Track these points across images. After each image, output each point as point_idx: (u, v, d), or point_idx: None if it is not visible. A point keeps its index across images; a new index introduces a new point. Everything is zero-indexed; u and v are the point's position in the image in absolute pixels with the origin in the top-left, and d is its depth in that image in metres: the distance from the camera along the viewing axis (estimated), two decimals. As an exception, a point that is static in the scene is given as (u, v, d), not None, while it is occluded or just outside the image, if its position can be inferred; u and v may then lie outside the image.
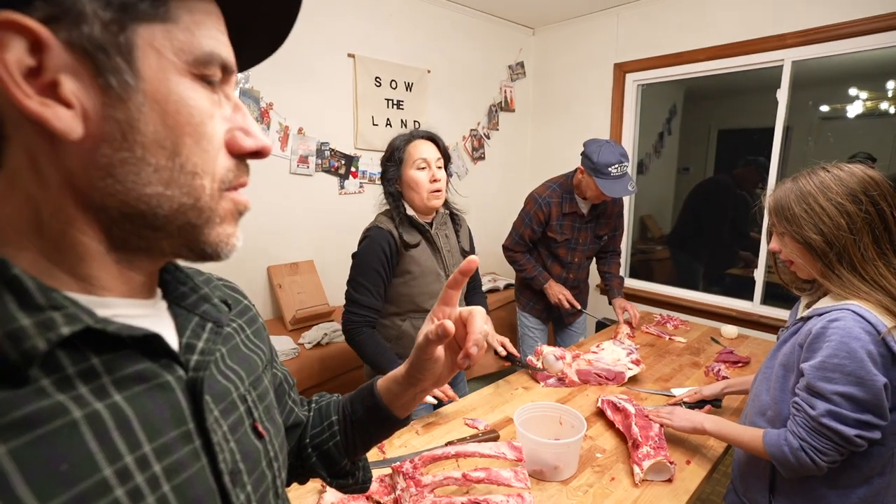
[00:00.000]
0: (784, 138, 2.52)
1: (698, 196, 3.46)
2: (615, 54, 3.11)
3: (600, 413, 1.43)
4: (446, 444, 1.25)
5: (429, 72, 2.95)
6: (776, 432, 0.97)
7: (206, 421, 0.39)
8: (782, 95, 2.47)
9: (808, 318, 0.97)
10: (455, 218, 1.61)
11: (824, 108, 3.34)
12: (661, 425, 1.23)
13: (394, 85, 2.79)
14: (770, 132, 2.56)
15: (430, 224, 1.51)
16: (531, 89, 3.63)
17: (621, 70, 3.09)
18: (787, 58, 2.42)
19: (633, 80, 3.09)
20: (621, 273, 2.37)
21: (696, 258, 3.58)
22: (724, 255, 3.34)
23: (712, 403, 1.40)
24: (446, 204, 1.56)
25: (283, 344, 2.05)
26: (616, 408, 1.36)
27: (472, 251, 1.69)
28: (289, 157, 2.43)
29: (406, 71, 2.83)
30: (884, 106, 2.94)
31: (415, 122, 2.90)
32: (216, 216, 0.38)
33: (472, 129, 3.29)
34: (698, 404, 1.40)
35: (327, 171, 2.59)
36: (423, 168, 1.42)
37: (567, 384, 1.62)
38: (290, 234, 2.51)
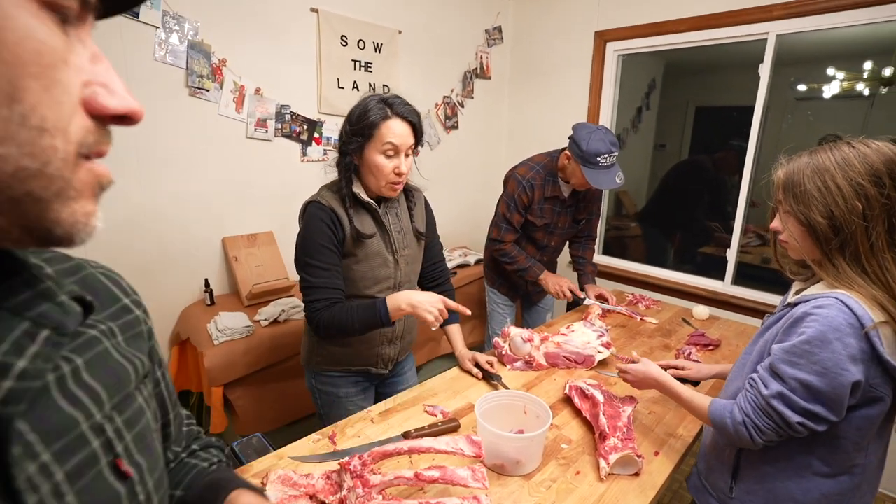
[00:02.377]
0: (763, 117, 2.46)
1: (676, 175, 3.41)
2: (596, 21, 2.97)
3: (567, 400, 1.36)
4: (402, 435, 1.17)
5: (400, 32, 2.76)
6: (723, 403, 0.97)
7: (14, 480, 0.28)
8: (765, 71, 2.39)
9: (796, 304, 0.90)
10: (409, 194, 1.44)
11: (802, 88, 3.29)
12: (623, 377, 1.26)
13: (361, 45, 2.59)
14: (748, 111, 2.49)
15: (379, 202, 1.35)
16: (508, 56, 3.47)
17: (602, 38, 2.96)
18: (771, 31, 2.33)
19: (613, 50, 2.96)
20: (595, 252, 2.29)
21: (668, 236, 3.57)
22: (697, 234, 3.33)
23: (690, 383, 1.34)
24: None
25: (236, 321, 1.92)
26: (584, 395, 1.29)
27: (430, 232, 1.52)
28: (245, 120, 2.23)
29: (375, 30, 2.63)
30: (859, 87, 2.90)
31: (384, 86, 2.72)
32: (71, 188, 0.29)
33: (445, 97, 3.12)
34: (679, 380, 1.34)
35: (288, 137, 2.40)
36: (390, 155, 1.25)
37: (535, 368, 1.55)
38: (247, 204, 2.33)
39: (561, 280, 2.04)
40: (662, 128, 4.01)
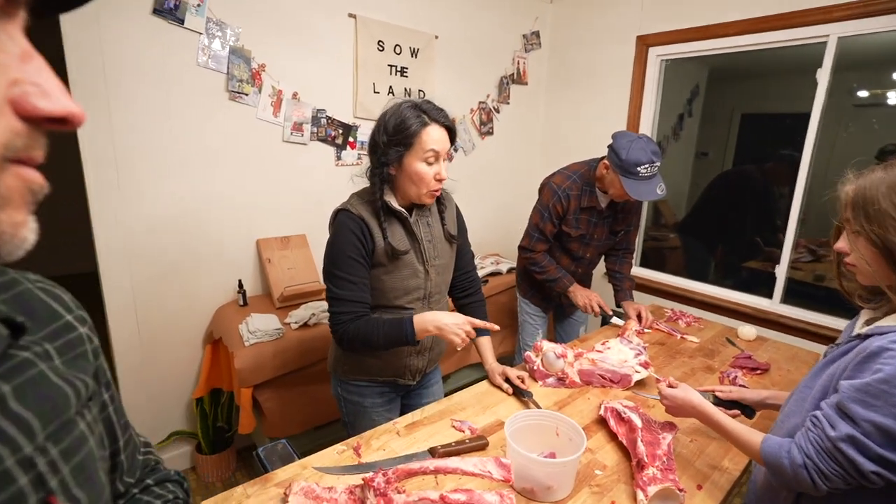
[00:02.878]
0: (820, 125, 2.31)
1: (721, 185, 3.25)
2: (639, 26, 2.88)
3: (602, 421, 1.29)
4: (428, 451, 1.13)
5: (436, 38, 2.74)
6: (778, 441, 0.88)
7: None
8: (823, 76, 2.25)
9: (867, 336, 0.81)
10: (440, 199, 1.40)
11: (863, 94, 3.08)
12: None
13: (398, 50, 2.59)
14: (800, 118, 2.34)
15: (410, 211, 1.32)
16: (546, 61, 3.40)
17: (644, 43, 2.86)
18: (832, 33, 2.19)
19: (656, 55, 2.86)
20: (633, 267, 2.19)
21: (710, 249, 3.40)
22: (742, 248, 3.16)
23: (745, 411, 1.24)
24: None
25: (267, 323, 1.93)
26: (620, 418, 1.22)
27: (461, 235, 1.48)
28: (281, 124, 2.26)
29: (412, 35, 2.63)
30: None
31: (419, 91, 2.71)
32: None
33: (480, 102, 3.08)
34: (728, 405, 1.25)
35: (323, 140, 2.42)
36: (431, 162, 1.23)
37: (567, 385, 1.49)
38: (282, 206, 2.36)
39: (591, 294, 1.97)
40: (705, 135, 3.84)
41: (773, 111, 3.56)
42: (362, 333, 1.24)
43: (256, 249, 2.31)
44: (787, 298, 2.52)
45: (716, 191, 3.33)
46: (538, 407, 1.33)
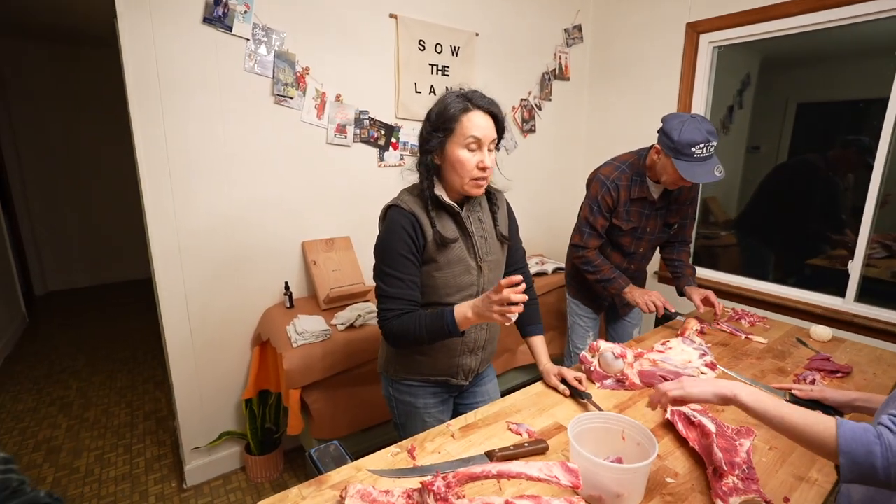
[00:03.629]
0: (897, 107, 2.12)
1: (779, 178, 3.06)
2: (688, 12, 2.75)
3: (668, 425, 1.21)
4: (485, 454, 1.08)
5: (477, 35, 2.71)
6: (862, 426, 0.69)
7: None
8: (901, 53, 2.07)
9: None
10: (492, 197, 1.37)
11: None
12: (669, 398, 0.95)
13: (439, 49, 2.57)
14: (868, 104, 2.15)
15: (461, 205, 1.29)
16: (588, 55, 3.31)
17: (694, 30, 2.73)
18: (909, 7, 2.02)
19: (708, 42, 2.72)
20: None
21: (768, 245, 3.20)
22: (804, 244, 2.95)
23: (828, 413, 1.12)
24: None
25: (314, 325, 1.94)
26: (690, 422, 1.14)
27: (514, 235, 1.45)
28: (325, 126, 2.28)
29: (452, 34, 2.60)
30: None
31: (460, 88, 2.67)
32: None
33: (522, 99, 3.03)
34: (809, 403, 1.13)
35: (366, 142, 2.42)
36: (473, 149, 1.19)
37: (627, 386, 1.41)
38: (326, 208, 2.38)
39: (649, 292, 1.86)
40: (756, 128, 3.62)
41: (835, 98, 3.31)
42: (405, 328, 1.20)
43: (302, 252, 2.33)
44: (861, 297, 2.33)
45: (773, 184, 3.13)
46: (599, 409, 1.25)
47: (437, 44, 2.56)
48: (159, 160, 1.89)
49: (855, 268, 2.32)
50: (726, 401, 0.88)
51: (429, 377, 1.37)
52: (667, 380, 1.41)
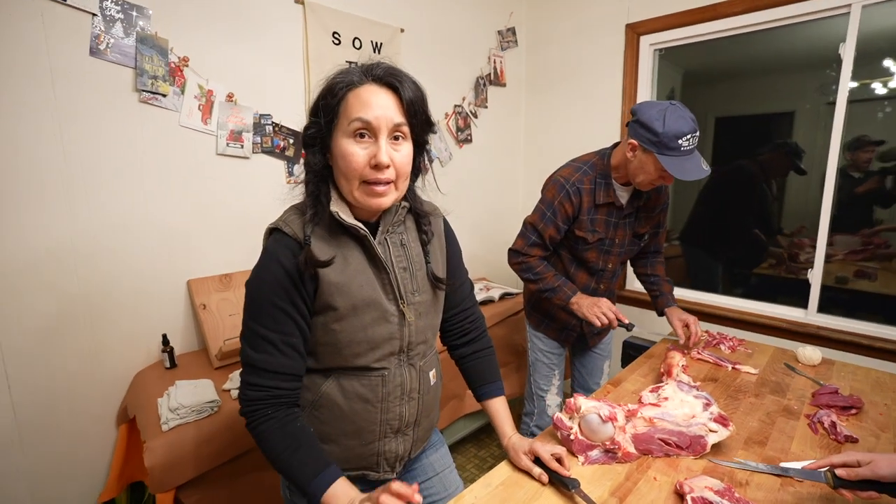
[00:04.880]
0: (848, 107, 2.02)
1: (716, 184, 2.96)
2: (627, 13, 2.58)
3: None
4: None
5: (402, 31, 2.36)
6: None
7: None
8: (848, 51, 1.97)
9: None
10: (422, 220, 0.97)
11: (852, 85, 2.85)
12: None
13: (357, 44, 2.19)
14: (781, 117, 2.07)
15: (375, 226, 0.90)
16: (524, 60, 3.07)
17: (634, 32, 2.56)
18: (854, 1, 1.92)
19: (649, 44, 2.56)
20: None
21: (714, 256, 3.09)
22: (750, 252, 2.86)
23: (889, 490, 0.80)
24: (409, 197, 0.95)
25: (196, 394, 1.42)
26: (727, 522, 0.79)
27: (457, 268, 1.07)
28: (214, 133, 1.80)
29: (373, 27, 2.24)
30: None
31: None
32: None
33: (456, 106, 2.71)
34: (860, 484, 0.83)
35: (269, 153, 1.97)
36: (362, 136, 0.80)
37: (620, 459, 1.05)
38: (219, 236, 1.88)
39: (599, 301, 1.51)
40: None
41: (752, 112, 3.31)
42: (270, 443, 0.81)
43: (188, 292, 1.81)
44: (824, 308, 2.19)
45: (710, 191, 3.04)
46: (591, 503, 0.88)
47: (356, 38, 2.18)
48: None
49: (815, 277, 2.17)
50: None
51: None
52: (668, 444, 1.07)
